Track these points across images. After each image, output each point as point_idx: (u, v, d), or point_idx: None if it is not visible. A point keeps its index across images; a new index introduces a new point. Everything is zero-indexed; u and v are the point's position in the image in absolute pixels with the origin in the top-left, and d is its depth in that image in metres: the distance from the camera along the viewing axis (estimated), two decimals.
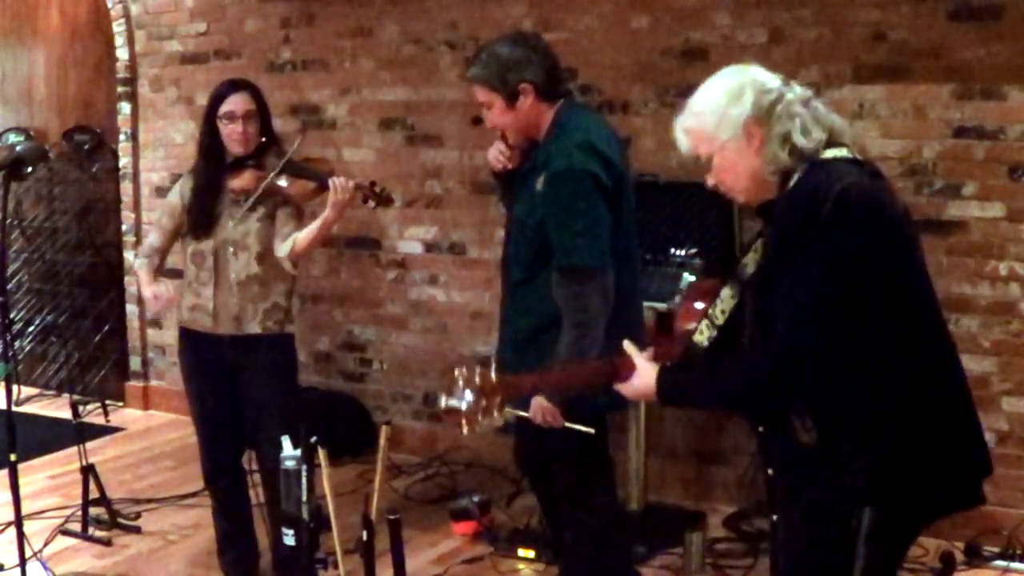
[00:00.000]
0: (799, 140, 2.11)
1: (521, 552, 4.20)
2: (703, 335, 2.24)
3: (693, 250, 4.27)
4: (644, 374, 2.27)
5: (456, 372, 2.13)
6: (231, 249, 3.75)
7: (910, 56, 4.23)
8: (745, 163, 2.16)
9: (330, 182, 3.64)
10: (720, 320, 2.23)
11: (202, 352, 3.87)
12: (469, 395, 2.10)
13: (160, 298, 3.80)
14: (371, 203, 3.78)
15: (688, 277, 3.87)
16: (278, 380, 3.84)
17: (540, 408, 3.17)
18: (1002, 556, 4.11)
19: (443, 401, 2.12)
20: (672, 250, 4.34)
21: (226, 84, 3.83)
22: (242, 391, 3.84)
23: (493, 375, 2.12)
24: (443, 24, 5.24)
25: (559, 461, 3.43)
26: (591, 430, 3.17)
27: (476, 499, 4.54)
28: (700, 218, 4.43)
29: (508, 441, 5.19)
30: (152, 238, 3.97)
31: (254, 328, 3.77)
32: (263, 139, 3.77)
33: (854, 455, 2.07)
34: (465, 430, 2.12)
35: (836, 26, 4.35)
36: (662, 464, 4.80)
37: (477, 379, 2.11)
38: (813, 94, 2.18)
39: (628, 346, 2.33)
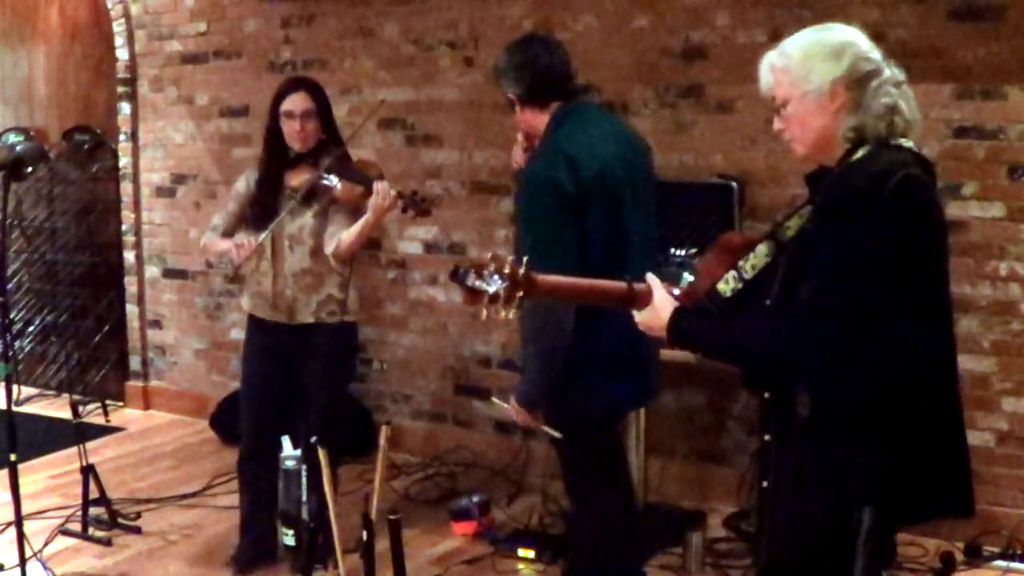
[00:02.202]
0: (906, 116, 2.11)
1: (521, 552, 4.19)
2: (728, 285, 2.22)
3: (693, 250, 4.26)
4: (659, 307, 2.25)
5: (490, 255, 2.12)
6: (287, 242, 3.87)
7: (910, 56, 4.22)
8: (818, 120, 2.14)
9: (375, 187, 3.71)
10: (749, 275, 2.21)
11: (262, 337, 4.02)
12: (498, 280, 2.10)
13: (244, 248, 3.80)
14: (410, 212, 3.83)
15: (688, 277, 3.86)
16: (331, 368, 3.97)
17: (515, 408, 3.23)
18: (1002, 556, 4.10)
19: (471, 280, 2.12)
20: (672, 250, 4.34)
21: (288, 82, 3.99)
22: (297, 378, 3.98)
23: (523, 269, 2.12)
24: (443, 24, 5.24)
25: (563, 458, 3.44)
26: (559, 435, 3.20)
27: (476, 499, 4.54)
28: (700, 218, 4.44)
29: (508, 441, 5.21)
30: (216, 219, 4.10)
31: (307, 318, 3.92)
32: (324, 137, 3.89)
33: (842, 442, 2.06)
34: (483, 314, 2.13)
35: None
36: (662, 464, 4.81)
37: (507, 268, 2.10)
38: (904, 79, 2.18)
39: (651, 277, 2.30)
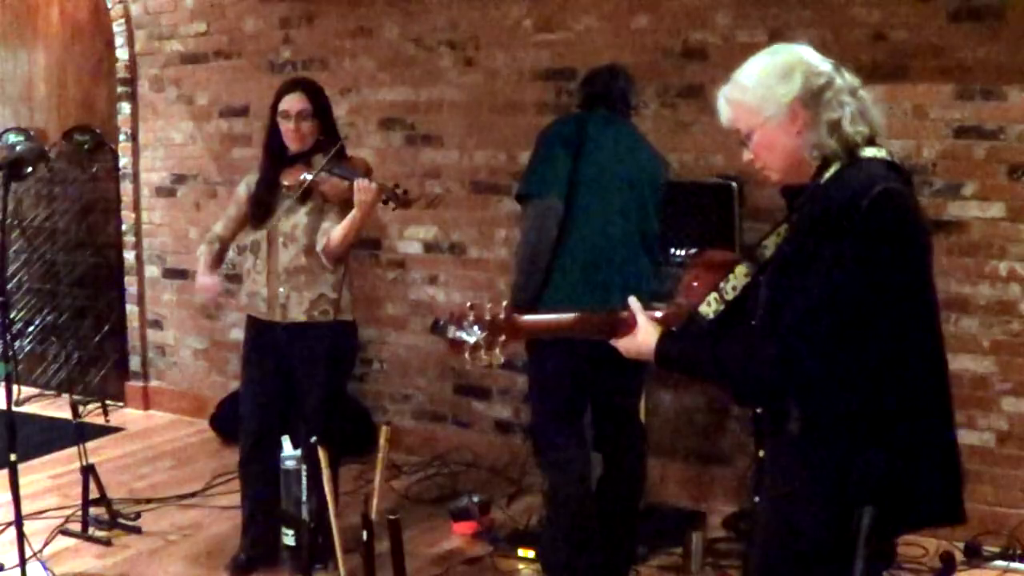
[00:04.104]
0: (847, 128, 2.10)
1: (521, 552, 4.19)
2: (710, 307, 2.22)
3: (693, 250, 4.26)
4: (644, 333, 2.26)
5: (468, 305, 2.17)
6: (281, 240, 3.90)
7: (910, 56, 4.23)
8: (785, 143, 2.14)
9: (355, 183, 3.70)
10: (730, 296, 2.21)
11: (258, 336, 4.04)
12: (477, 330, 2.15)
13: (208, 289, 4.04)
14: (391, 204, 3.84)
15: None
16: (327, 368, 3.96)
17: None
18: (1002, 556, 4.11)
19: (451, 332, 2.16)
20: (672, 250, 4.34)
21: (287, 83, 4.04)
22: (295, 377, 4.00)
23: (503, 314, 2.15)
24: (443, 24, 5.24)
25: (531, 404, 3.91)
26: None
27: (476, 499, 4.54)
28: (700, 218, 4.43)
29: (508, 441, 5.21)
30: (217, 226, 4.14)
31: (299, 317, 3.93)
32: (322, 137, 3.92)
33: (836, 446, 2.06)
34: (468, 364, 2.18)
35: (836, 26, 4.35)
36: (662, 464, 4.81)
37: (487, 316, 2.15)
38: (860, 84, 2.17)
39: (633, 303, 2.32)
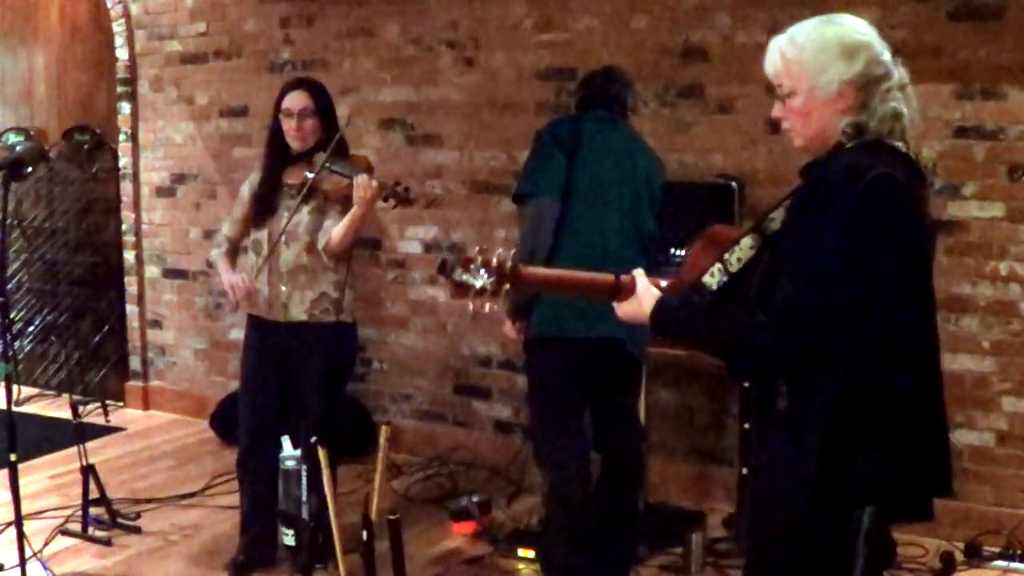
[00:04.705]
0: (901, 123, 2.10)
1: (521, 552, 4.19)
2: (713, 278, 2.22)
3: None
4: (643, 297, 2.28)
5: (477, 249, 2.16)
6: (283, 239, 3.89)
7: (910, 56, 4.18)
8: (823, 116, 2.13)
9: (355, 180, 3.70)
10: (734, 267, 2.21)
11: (259, 335, 4.04)
12: (484, 275, 2.14)
13: (238, 289, 3.94)
14: (391, 202, 3.84)
15: None
16: (326, 368, 3.96)
17: (507, 323, 3.85)
18: (1002, 556, 4.11)
19: (458, 274, 2.15)
20: (672, 250, 4.34)
21: (290, 81, 4.07)
22: (294, 377, 3.99)
23: (510, 262, 2.16)
24: (443, 24, 5.24)
25: (530, 405, 3.94)
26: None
27: (476, 499, 4.54)
28: (700, 218, 4.43)
29: (508, 441, 5.21)
30: (225, 228, 4.14)
31: (300, 316, 3.92)
32: (325, 136, 3.91)
33: (831, 441, 2.06)
34: (470, 307, 2.17)
35: None
36: (662, 464, 4.81)
37: (495, 261, 2.14)
38: (908, 81, 2.16)
39: (637, 270, 2.34)
